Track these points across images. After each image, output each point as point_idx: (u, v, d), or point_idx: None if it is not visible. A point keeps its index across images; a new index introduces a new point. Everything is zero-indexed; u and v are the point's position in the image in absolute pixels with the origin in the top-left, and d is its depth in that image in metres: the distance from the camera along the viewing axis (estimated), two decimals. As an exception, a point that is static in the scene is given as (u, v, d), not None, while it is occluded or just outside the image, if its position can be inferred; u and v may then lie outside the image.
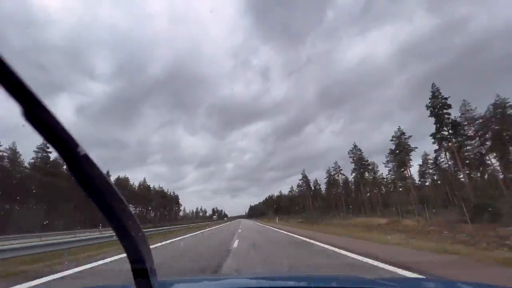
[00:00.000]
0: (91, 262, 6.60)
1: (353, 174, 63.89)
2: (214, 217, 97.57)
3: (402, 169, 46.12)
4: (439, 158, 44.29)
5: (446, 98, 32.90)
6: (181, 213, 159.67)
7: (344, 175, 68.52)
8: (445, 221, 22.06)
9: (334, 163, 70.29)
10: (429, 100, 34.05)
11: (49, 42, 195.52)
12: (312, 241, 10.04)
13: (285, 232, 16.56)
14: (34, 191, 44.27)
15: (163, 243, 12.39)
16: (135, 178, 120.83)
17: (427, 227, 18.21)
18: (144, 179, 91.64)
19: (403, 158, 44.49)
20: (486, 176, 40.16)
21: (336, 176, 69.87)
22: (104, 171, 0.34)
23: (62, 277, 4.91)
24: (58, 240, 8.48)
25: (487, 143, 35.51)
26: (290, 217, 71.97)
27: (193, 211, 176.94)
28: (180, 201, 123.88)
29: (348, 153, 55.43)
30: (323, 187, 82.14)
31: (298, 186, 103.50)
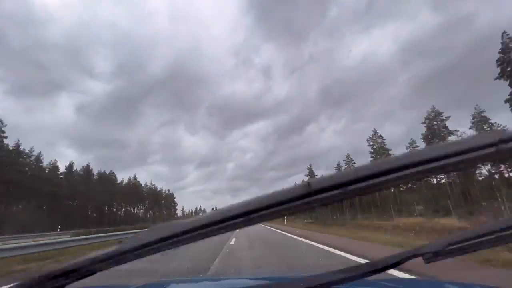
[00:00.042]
0: None
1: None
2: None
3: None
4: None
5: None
6: (179, 213, 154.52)
7: (357, 169, 60.13)
8: None
9: (346, 156, 61.97)
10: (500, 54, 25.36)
11: (49, 41, 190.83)
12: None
13: (310, 242, 9.76)
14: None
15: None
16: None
17: None
18: (135, 176, 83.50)
19: (438, 145, 36.00)
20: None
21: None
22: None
23: None
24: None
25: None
26: (295, 217, 64.04)
27: (192, 211, 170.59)
28: (180, 201, 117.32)
29: (367, 141, 46.97)
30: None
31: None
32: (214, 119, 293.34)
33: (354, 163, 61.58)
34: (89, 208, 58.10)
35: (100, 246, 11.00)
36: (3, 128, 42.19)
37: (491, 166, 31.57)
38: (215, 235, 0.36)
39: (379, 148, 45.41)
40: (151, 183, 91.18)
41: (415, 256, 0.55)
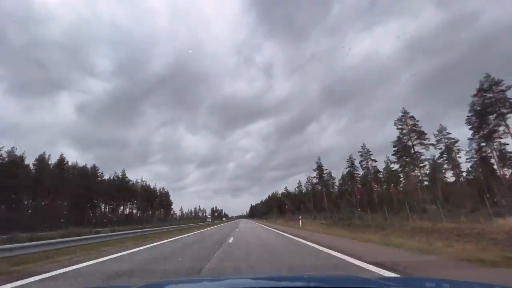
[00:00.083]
0: None
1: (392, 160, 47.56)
2: (208, 217, 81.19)
3: (491, 145, 29.23)
4: None
5: None
6: (178, 213, 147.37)
7: (375, 161, 51.68)
8: None
9: (362, 147, 53.53)
10: None
11: (49, 39, 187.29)
12: None
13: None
14: None
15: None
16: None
17: None
18: (123, 171, 75.25)
19: (495, 127, 27.60)
20: None
21: (364, 162, 52.95)
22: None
23: None
24: None
25: None
26: (302, 217, 55.96)
27: (191, 210, 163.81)
28: (180, 200, 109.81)
29: (395, 123, 38.22)
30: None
31: (309, 181, 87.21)
32: (215, 119, 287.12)
33: (371, 154, 53.27)
34: (63, 206, 49.90)
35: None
36: None
37: None
38: None
39: (410, 131, 36.81)
40: (142, 180, 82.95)
41: None
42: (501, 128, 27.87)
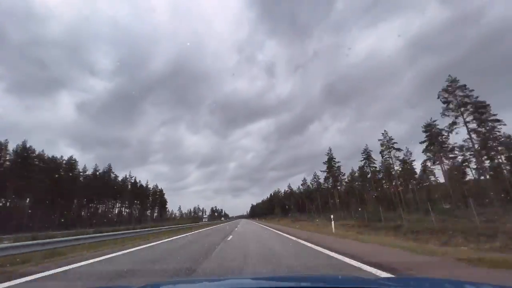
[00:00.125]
0: None
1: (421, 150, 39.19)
2: (204, 217, 72.90)
3: None
4: None
5: None
6: (177, 213, 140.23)
7: (399, 150, 43.11)
8: None
9: (383, 134, 45.03)
10: None
11: (49, 37, 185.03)
12: None
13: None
14: None
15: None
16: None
17: None
18: (109, 165, 66.80)
19: None
20: None
21: (386, 152, 44.36)
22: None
23: None
24: None
25: None
26: (308, 217, 48.06)
27: (190, 210, 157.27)
28: (180, 200, 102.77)
29: (438, 96, 29.40)
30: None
31: (315, 178, 78.93)
32: (216, 118, 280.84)
33: (395, 142, 44.81)
34: (25, 204, 41.36)
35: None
36: None
37: None
38: None
39: (459, 104, 27.83)
40: (130, 175, 74.42)
41: None
42: None
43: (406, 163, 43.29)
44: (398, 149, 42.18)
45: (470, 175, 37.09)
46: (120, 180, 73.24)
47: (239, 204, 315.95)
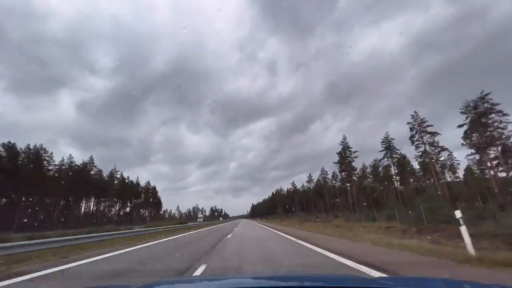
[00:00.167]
0: None
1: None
2: (199, 216, 65.53)
3: None
4: None
5: None
6: (176, 213, 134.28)
7: (435, 134, 35.34)
8: None
9: (412, 116, 37.25)
10: None
11: (49, 35, 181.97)
12: None
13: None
14: None
15: None
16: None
17: None
18: (91, 157, 59.00)
19: None
20: None
21: (418, 137, 36.55)
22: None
23: None
24: None
25: None
26: (316, 217, 40.81)
27: (189, 210, 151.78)
28: (180, 200, 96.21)
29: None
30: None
31: (323, 175, 71.43)
32: (216, 117, 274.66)
33: (429, 125, 37.05)
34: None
35: None
36: None
37: None
38: None
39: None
40: (115, 169, 66.61)
41: None
42: None
43: (444, 151, 35.57)
44: (434, 133, 34.39)
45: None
46: (106, 175, 65.67)
47: (239, 204, 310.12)
